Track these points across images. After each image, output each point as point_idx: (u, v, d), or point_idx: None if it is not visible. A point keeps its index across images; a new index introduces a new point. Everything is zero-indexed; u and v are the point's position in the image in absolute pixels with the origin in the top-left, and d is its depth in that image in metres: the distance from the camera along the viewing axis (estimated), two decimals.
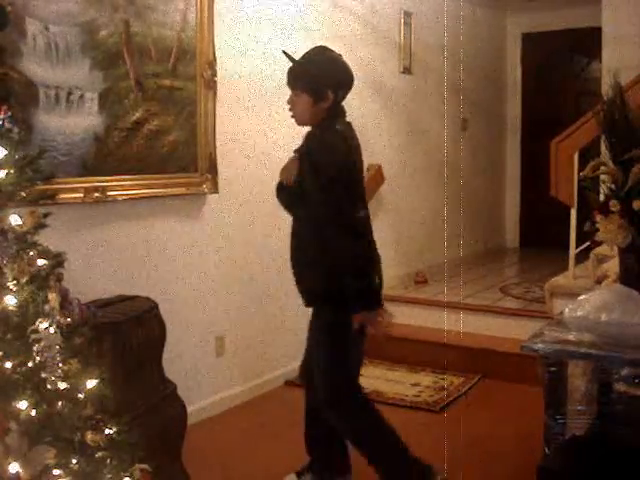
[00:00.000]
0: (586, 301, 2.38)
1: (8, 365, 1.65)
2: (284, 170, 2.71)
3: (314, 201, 2.55)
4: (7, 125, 1.76)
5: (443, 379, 4.30)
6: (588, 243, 3.98)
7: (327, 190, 2.49)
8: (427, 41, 5.71)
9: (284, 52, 2.71)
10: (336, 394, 2.70)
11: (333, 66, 2.69)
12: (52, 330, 1.72)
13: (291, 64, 2.69)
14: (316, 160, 2.54)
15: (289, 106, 2.71)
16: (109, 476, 1.74)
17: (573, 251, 4.47)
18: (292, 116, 2.72)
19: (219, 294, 3.85)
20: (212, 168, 3.68)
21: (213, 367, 3.83)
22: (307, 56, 2.72)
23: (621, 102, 2.50)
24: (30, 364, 1.69)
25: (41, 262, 1.77)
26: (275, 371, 4.24)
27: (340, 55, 2.73)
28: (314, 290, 2.68)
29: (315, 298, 2.69)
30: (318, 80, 2.63)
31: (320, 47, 2.79)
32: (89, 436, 1.73)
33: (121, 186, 3.21)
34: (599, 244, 3.16)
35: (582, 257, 4.47)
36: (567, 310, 2.41)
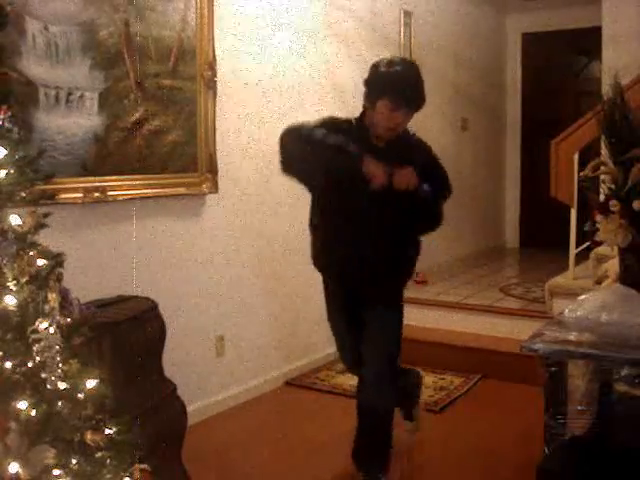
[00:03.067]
0: (586, 301, 2.39)
1: (8, 365, 1.65)
2: (403, 176, 2.61)
3: (423, 208, 2.76)
4: (7, 125, 1.76)
5: (443, 379, 4.30)
6: (588, 243, 3.98)
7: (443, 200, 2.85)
8: (427, 41, 5.71)
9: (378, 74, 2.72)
10: (395, 367, 2.94)
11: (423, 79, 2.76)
12: (52, 330, 1.72)
13: (397, 79, 2.67)
14: (444, 173, 2.90)
15: (394, 123, 2.68)
16: (109, 476, 1.74)
17: (573, 251, 4.47)
18: (391, 131, 2.71)
19: (219, 294, 3.85)
20: (212, 168, 3.68)
21: (213, 367, 3.83)
22: (411, 73, 2.71)
23: (621, 102, 2.50)
24: (30, 364, 1.68)
25: (41, 262, 1.76)
26: (275, 371, 4.24)
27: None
28: (395, 289, 2.91)
29: (394, 294, 2.92)
30: (424, 96, 2.74)
31: (406, 62, 2.84)
32: (89, 436, 1.73)
33: (121, 186, 3.21)
34: (599, 244, 3.16)
35: (582, 257, 4.48)
36: (567, 310, 2.41)
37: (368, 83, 2.74)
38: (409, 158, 2.70)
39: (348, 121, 2.82)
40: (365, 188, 2.59)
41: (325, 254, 2.89)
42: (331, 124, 2.76)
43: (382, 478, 2.92)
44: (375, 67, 2.73)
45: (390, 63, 2.71)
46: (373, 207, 2.68)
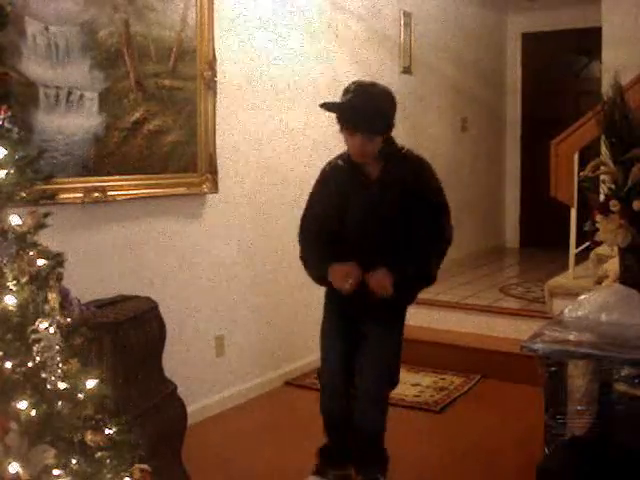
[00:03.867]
0: (586, 301, 2.39)
1: (8, 365, 1.65)
2: (377, 281, 2.71)
3: (424, 221, 2.77)
4: (7, 125, 1.76)
5: (443, 379, 4.30)
6: (588, 243, 3.98)
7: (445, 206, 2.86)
8: (427, 41, 5.71)
9: (327, 105, 2.77)
10: (392, 386, 2.96)
11: (391, 98, 2.78)
12: (52, 330, 1.72)
13: (350, 105, 2.69)
14: (437, 185, 2.88)
15: (356, 149, 2.72)
16: (109, 476, 1.74)
17: (573, 251, 4.47)
18: (359, 156, 2.76)
19: (219, 294, 3.85)
20: (212, 168, 3.68)
21: (213, 367, 3.83)
22: (366, 97, 2.71)
23: (621, 102, 2.50)
24: (30, 364, 1.68)
25: (41, 262, 1.76)
26: (275, 371, 4.24)
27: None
28: (399, 302, 2.88)
29: (397, 307, 2.91)
30: (388, 119, 2.74)
31: (365, 86, 2.78)
32: (89, 436, 1.73)
33: (121, 186, 3.21)
34: (599, 244, 3.16)
35: (582, 257, 4.48)
36: (567, 310, 2.41)
37: (330, 109, 2.79)
38: (404, 188, 2.75)
39: (344, 160, 2.86)
40: (362, 220, 2.74)
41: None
42: (332, 175, 2.85)
43: (381, 478, 2.94)
44: (344, 93, 2.77)
45: (346, 91, 2.75)
46: (374, 237, 2.78)
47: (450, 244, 2.86)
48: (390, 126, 2.76)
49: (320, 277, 2.85)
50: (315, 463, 3.01)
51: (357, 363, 2.88)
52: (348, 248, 2.80)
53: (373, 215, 2.77)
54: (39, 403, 1.66)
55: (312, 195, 2.92)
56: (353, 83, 2.76)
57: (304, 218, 2.93)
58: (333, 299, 2.94)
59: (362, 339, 2.88)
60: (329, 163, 2.91)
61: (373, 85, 2.79)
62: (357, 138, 2.69)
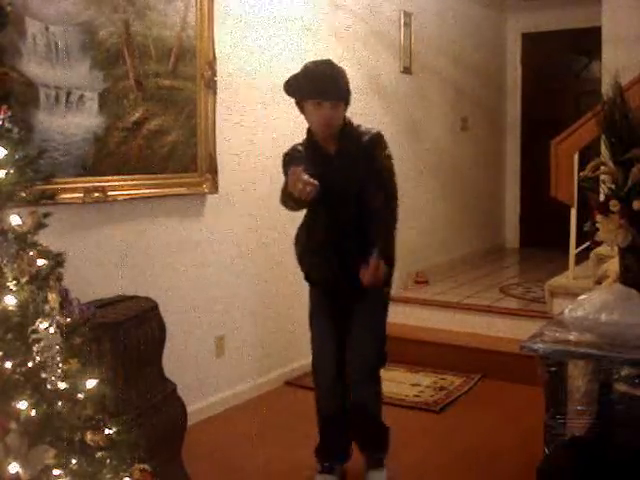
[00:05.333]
0: (586, 301, 2.38)
1: (8, 365, 1.65)
2: (370, 276, 2.76)
3: (382, 192, 2.82)
4: (7, 125, 1.76)
5: (443, 379, 4.30)
6: (588, 243, 3.98)
7: (393, 177, 2.91)
8: (427, 41, 5.71)
9: (291, 82, 2.84)
10: (382, 361, 3.05)
11: (344, 70, 2.86)
12: (52, 330, 1.72)
13: (313, 76, 2.78)
14: (388, 153, 2.89)
15: (324, 119, 2.78)
16: (109, 476, 1.74)
17: (573, 251, 4.47)
18: (325, 127, 2.81)
19: (219, 294, 3.85)
20: (212, 168, 3.68)
21: (213, 367, 3.83)
22: (326, 67, 2.82)
23: (621, 102, 2.50)
24: (30, 364, 1.68)
25: (41, 262, 1.76)
26: (275, 371, 4.24)
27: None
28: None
29: (377, 291, 2.93)
30: (348, 88, 2.83)
31: (320, 60, 2.89)
32: (89, 436, 1.73)
33: (121, 186, 3.21)
34: (599, 244, 3.16)
35: (582, 257, 4.48)
36: (567, 310, 2.41)
37: (290, 91, 2.86)
38: (360, 161, 2.82)
39: (302, 145, 2.94)
40: (326, 197, 2.74)
41: (313, 268, 2.97)
42: (293, 155, 2.92)
43: (385, 458, 3.05)
44: (293, 75, 2.85)
45: (305, 67, 2.83)
46: (343, 214, 2.85)
47: (396, 219, 2.90)
48: (350, 95, 2.84)
49: (292, 200, 2.80)
50: (319, 463, 3.05)
51: (347, 342, 2.95)
52: (318, 225, 2.88)
53: (336, 191, 2.80)
54: (39, 403, 1.66)
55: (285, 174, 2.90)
56: (305, 65, 2.84)
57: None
58: (316, 292, 3.03)
59: (348, 318, 2.96)
60: (286, 153, 2.95)
61: (325, 60, 2.88)
62: (325, 108, 2.76)
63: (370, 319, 2.97)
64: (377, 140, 2.88)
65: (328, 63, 2.84)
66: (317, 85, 2.77)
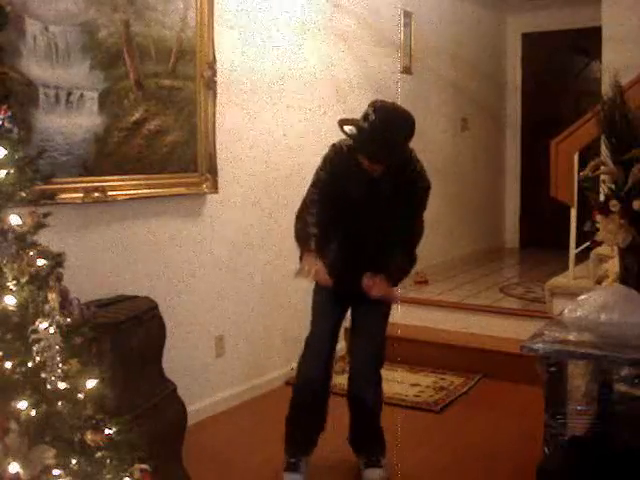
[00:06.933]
0: (586, 301, 2.38)
1: (8, 365, 1.65)
2: (377, 290, 2.90)
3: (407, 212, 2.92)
4: (7, 125, 1.76)
5: (443, 379, 4.30)
6: (588, 243, 3.98)
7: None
8: (427, 41, 5.71)
9: (346, 132, 2.78)
10: (383, 358, 3.11)
11: (411, 124, 2.73)
12: (52, 330, 1.72)
13: (373, 138, 2.68)
14: (426, 185, 2.97)
15: (371, 169, 2.78)
16: (109, 476, 1.74)
17: (573, 251, 4.47)
18: (371, 172, 2.81)
19: (219, 294, 3.85)
20: (212, 168, 3.68)
21: (213, 367, 3.83)
22: (392, 129, 2.69)
23: (621, 102, 2.50)
24: (30, 364, 1.68)
25: (41, 262, 1.77)
26: (275, 371, 4.24)
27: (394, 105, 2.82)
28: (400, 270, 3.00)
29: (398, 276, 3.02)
30: (406, 149, 2.81)
31: (390, 115, 2.72)
32: (89, 436, 1.73)
33: (121, 186, 3.20)
34: (599, 244, 3.16)
35: (582, 257, 4.48)
36: (567, 310, 2.41)
37: (349, 135, 2.78)
38: (401, 190, 2.85)
39: (346, 152, 2.88)
40: (356, 211, 2.85)
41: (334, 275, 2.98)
42: (334, 162, 2.91)
43: (383, 460, 3.06)
44: (363, 118, 2.71)
45: (365, 116, 2.69)
46: (366, 228, 2.90)
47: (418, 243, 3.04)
48: (407, 147, 2.81)
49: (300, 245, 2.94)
50: (286, 459, 3.05)
51: (351, 344, 3.07)
52: (339, 234, 2.92)
53: (367, 208, 2.85)
54: (39, 403, 1.66)
55: (318, 174, 2.95)
56: (373, 107, 2.70)
57: (309, 193, 2.97)
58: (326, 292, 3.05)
59: (352, 319, 3.07)
60: (329, 157, 2.93)
61: (394, 111, 2.74)
62: (377, 167, 2.76)
63: (373, 324, 3.04)
64: (420, 170, 2.91)
65: (389, 122, 2.68)
66: (374, 150, 2.70)
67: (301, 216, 2.98)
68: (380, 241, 2.90)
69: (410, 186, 2.89)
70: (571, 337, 2.29)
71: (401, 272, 2.99)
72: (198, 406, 3.63)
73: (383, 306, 3.04)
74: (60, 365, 1.72)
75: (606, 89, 2.61)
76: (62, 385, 1.72)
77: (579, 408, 2.42)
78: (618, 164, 2.46)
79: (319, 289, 3.06)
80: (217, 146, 3.70)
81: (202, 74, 3.57)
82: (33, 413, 1.65)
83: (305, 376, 3.02)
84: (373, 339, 3.02)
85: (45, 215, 1.82)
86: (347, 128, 2.76)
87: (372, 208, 2.85)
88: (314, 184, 2.96)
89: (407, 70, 5.49)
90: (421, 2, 5.64)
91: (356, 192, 2.84)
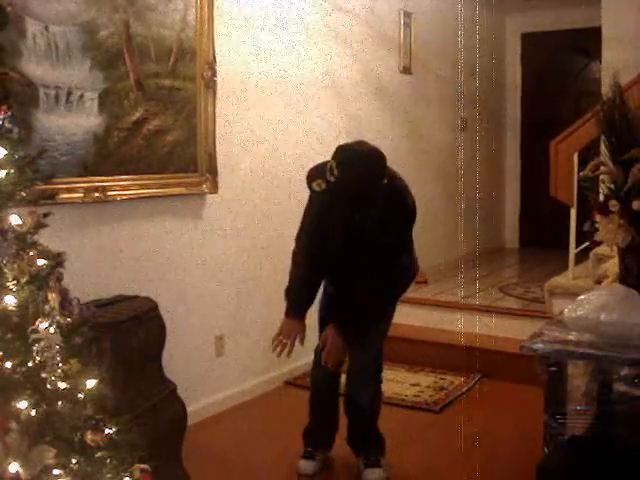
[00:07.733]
0: (586, 301, 2.38)
1: (8, 365, 1.65)
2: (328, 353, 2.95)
3: (392, 244, 2.85)
4: (7, 125, 1.76)
5: (443, 379, 4.30)
6: (588, 243, 3.98)
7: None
8: (427, 41, 5.71)
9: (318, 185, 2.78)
10: (380, 364, 3.15)
11: (379, 160, 2.74)
12: (52, 330, 1.72)
13: (346, 189, 2.66)
14: (409, 214, 2.90)
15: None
16: (109, 476, 1.74)
17: (573, 251, 4.47)
18: None
19: (219, 294, 3.85)
20: (212, 168, 3.68)
21: (213, 367, 3.83)
22: (363, 181, 2.66)
23: (621, 102, 2.50)
24: (30, 364, 1.68)
25: (41, 262, 1.76)
26: (275, 371, 4.24)
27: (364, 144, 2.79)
28: (380, 312, 3.00)
29: (379, 317, 3.03)
30: (381, 181, 2.75)
31: (349, 155, 2.70)
32: (89, 436, 1.73)
33: (121, 186, 3.20)
34: (599, 244, 3.16)
35: (582, 257, 4.48)
36: (567, 310, 2.41)
37: (322, 186, 2.75)
38: (384, 216, 2.77)
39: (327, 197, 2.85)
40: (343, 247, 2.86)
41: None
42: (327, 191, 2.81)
43: (382, 460, 3.08)
44: (329, 171, 2.67)
45: (335, 165, 2.65)
46: (356, 259, 2.86)
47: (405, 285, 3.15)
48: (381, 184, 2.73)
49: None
50: (304, 446, 3.17)
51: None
52: (330, 276, 3.01)
53: (355, 241, 2.83)
54: (39, 403, 1.66)
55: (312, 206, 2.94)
56: (337, 160, 2.66)
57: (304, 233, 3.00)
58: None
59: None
60: (320, 190, 2.80)
61: (359, 159, 2.69)
62: (353, 210, 2.76)
63: (371, 336, 3.03)
64: (404, 196, 2.88)
65: (361, 169, 2.65)
66: (349, 201, 2.69)
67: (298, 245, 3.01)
68: (362, 276, 2.85)
69: (393, 215, 2.82)
70: (571, 337, 2.30)
71: (362, 316, 2.88)
72: (198, 406, 3.63)
73: (382, 323, 3.07)
74: (60, 365, 1.72)
75: (606, 89, 2.61)
76: (62, 385, 1.72)
77: (579, 408, 2.42)
78: (618, 164, 2.46)
79: (325, 298, 3.15)
80: (217, 146, 3.70)
81: (202, 74, 3.58)
82: (33, 413, 1.65)
83: (316, 385, 3.23)
84: (370, 348, 3.03)
85: (45, 215, 1.82)
86: (315, 184, 2.77)
87: (359, 245, 2.82)
88: (303, 228, 2.99)
89: (407, 70, 5.49)
90: (421, 2, 5.64)
91: (342, 233, 2.84)
